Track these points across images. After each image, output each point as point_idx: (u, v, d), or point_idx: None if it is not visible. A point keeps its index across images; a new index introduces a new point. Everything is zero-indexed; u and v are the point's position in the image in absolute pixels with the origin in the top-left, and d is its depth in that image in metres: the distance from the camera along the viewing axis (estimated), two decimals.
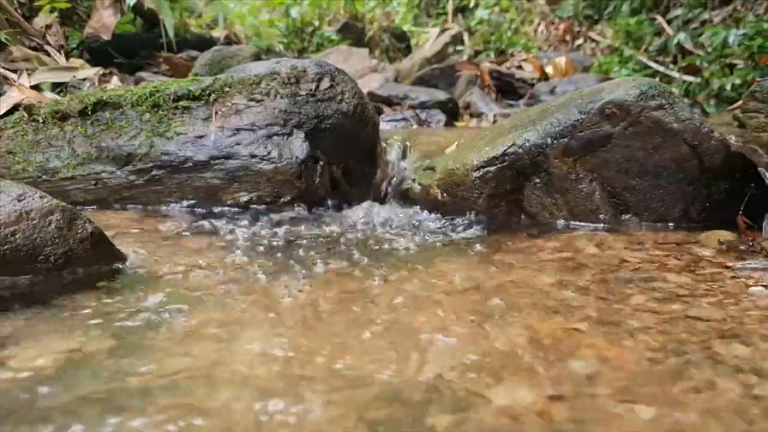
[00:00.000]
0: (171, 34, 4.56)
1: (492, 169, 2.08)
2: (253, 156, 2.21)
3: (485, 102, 4.89)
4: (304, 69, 2.40)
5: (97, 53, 4.37)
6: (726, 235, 1.80)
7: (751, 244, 1.73)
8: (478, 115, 4.68)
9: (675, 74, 4.96)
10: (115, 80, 3.62)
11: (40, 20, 4.15)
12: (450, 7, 9.24)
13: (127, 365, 1.03)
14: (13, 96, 2.56)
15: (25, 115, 2.39)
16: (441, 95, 4.64)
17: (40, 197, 1.48)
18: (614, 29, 6.48)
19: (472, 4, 8.91)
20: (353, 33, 8.34)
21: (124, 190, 2.27)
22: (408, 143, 2.61)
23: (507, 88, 5.39)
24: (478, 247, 1.83)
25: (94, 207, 2.27)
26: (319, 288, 1.45)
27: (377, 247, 1.83)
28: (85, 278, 1.47)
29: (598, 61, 6.32)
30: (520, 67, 5.86)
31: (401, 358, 1.06)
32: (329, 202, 2.29)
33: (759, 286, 1.42)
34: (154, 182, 2.25)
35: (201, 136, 2.26)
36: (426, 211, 2.20)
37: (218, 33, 5.77)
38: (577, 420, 0.87)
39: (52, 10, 4.24)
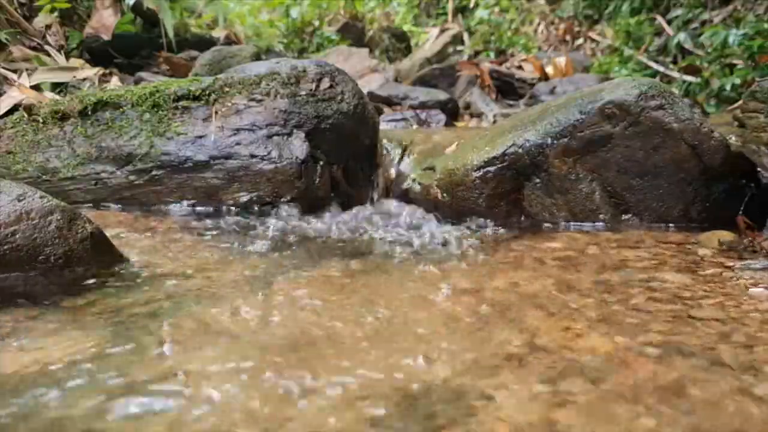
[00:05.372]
0: (171, 34, 4.56)
1: (492, 169, 2.08)
2: (253, 156, 2.21)
3: (485, 102, 4.88)
4: (304, 69, 2.40)
5: (97, 53, 4.37)
6: (726, 235, 1.80)
7: (751, 244, 1.73)
8: (478, 115, 4.68)
9: (675, 74, 4.96)
10: (115, 80, 3.62)
11: (40, 20, 4.15)
12: (450, 7, 9.24)
13: (127, 364, 1.03)
14: (13, 96, 2.56)
15: (25, 115, 2.39)
16: (441, 95, 4.63)
17: (40, 197, 1.48)
18: (614, 29, 6.48)
19: (472, 4, 8.90)
20: (353, 33, 8.33)
21: (124, 190, 2.27)
22: (408, 143, 2.61)
23: (507, 88, 5.39)
24: (477, 247, 1.83)
25: (94, 207, 2.27)
26: (319, 288, 1.45)
27: (376, 248, 1.83)
28: (85, 278, 1.47)
29: (598, 61, 6.31)
30: (520, 67, 5.85)
31: (398, 359, 1.06)
32: (329, 202, 2.28)
33: (759, 287, 1.42)
34: (154, 182, 2.25)
35: (201, 136, 2.26)
36: (425, 211, 2.20)
37: (218, 33, 5.76)
38: (579, 422, 0.87)
39: (52, 10, 4.24)
